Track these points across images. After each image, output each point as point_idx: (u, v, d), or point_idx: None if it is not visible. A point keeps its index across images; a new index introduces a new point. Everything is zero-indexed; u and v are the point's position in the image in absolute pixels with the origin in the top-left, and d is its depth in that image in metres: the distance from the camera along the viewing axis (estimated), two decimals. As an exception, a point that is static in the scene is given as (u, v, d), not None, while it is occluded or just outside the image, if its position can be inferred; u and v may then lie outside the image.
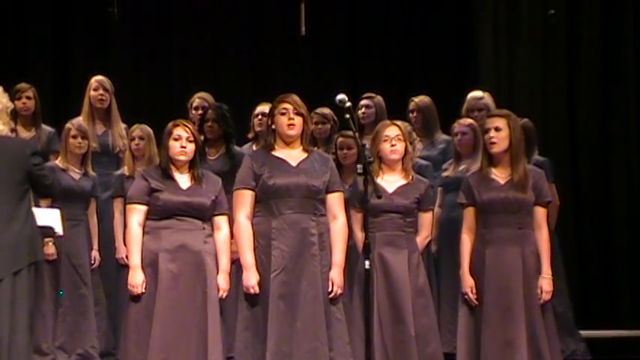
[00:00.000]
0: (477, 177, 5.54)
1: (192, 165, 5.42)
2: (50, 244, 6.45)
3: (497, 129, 5.45)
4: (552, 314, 5.50)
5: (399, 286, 5.52)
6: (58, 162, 6.73)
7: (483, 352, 5.34)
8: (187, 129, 5.39)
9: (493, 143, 5.46)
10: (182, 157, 5.34)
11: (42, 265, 5.88)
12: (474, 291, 5.42)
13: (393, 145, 5.65)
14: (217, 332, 5.24)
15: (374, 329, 5.33)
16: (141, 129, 6.80)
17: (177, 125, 5.41)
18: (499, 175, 5.49)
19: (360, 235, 5.60)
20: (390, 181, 5.67)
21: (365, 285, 5.20)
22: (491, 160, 5.52)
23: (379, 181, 5.54)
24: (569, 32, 8.32)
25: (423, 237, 5.76)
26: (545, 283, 5.41)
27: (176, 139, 5.37)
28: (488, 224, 5.45)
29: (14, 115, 6.20)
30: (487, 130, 5.49)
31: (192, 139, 5.38)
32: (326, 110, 6.78)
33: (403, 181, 5.69)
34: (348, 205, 5.59)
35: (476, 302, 5.41)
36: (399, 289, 5.51)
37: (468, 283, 5.44)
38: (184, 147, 5.35)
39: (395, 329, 5.48)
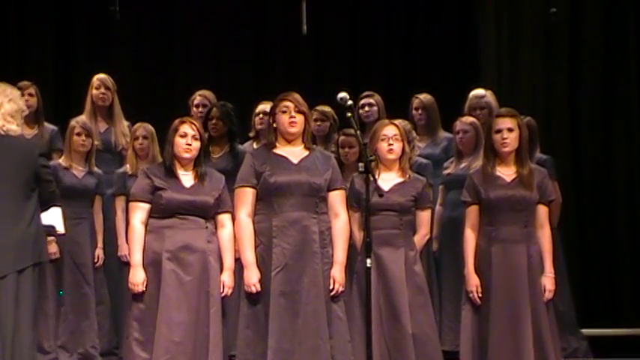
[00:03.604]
0: (481, 175, 5.55)
1: (197, 163, 5.41)
2: (53, 243, 6.44)
3: (510, 129, 5.49)
4: (554, 312, 5.52)
5: (396, 284, 5.52)
6: (61, 160, 6.75)
7: (491, 351, 5.35)
8: (194, 127, 5.38)
9: (507, 144, 5.48)
10: (186, 155, 5.34)
11: (46, 266, 5.88)
12: (479, 290, 5.44)
13: (390, 145, 5.66)
14: (219, 332, 5.25)
15: (373, 327, 5.29)
16: (144, 128, 6.81)
17: (184, 122, 5.40)
18: (504, 173, 5.52)
19: (358, 235, 5.62)
20: (387, 180, 5.67)
21: (366, 283, 5.19)
22: (496, 159, 5.54)
23: (377, 180, 5.51)
24: (571, 30, 8.33)
25: (421, 235, 5.76)
26: (549, 282, 5.44)
27: (182, 137, 5.36)
28: (495, 222, 5.46)
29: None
30: (499, 131, 5.50)
31: (197, 137, 5.38)
32: (326, 108, 6.83)
33: (400, 179, 5.70)
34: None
35: (479, 301, 5.43)
36: (396, 287, 5.52)
37: (474, 281, 5.45)
38: (189, 144, 5.34)
39: (392, 328, 5.50)
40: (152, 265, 5.25)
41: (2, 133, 4.81)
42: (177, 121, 5.43)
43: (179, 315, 5.20)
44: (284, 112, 5.35)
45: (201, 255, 5.26)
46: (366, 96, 7.06)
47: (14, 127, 4.86)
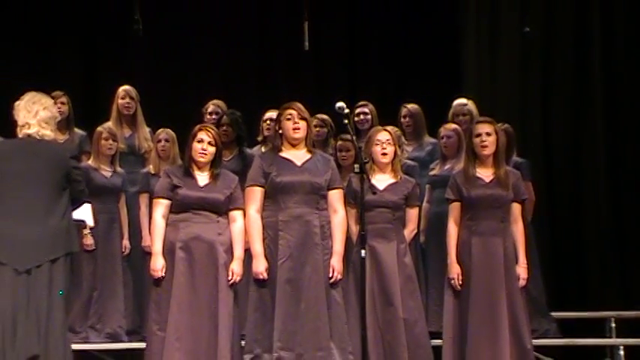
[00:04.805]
0: (463, 175, 5.83)
1: (213, 165, 5.63)
2: (89, 236, 6.74)
3: (488, 134, 5.76)
4: (525, 298, 5.82)
5: (389, 273, 5.78)
6: (90, 162, 6.99)
7: (471, 331, 5.62)
8: (210, 133, 5.61)
9: (485, 146, 5.75)
10: (201, 159, 5.61)
11: (79, 256, 6.17)
12: (460, 278, 5.72)
13: (383, 149, 5.92)
14: (227, 315, 5.45)
15: (367, 311, 5.52)
16: (166, 132, 7.07)
17: (202, 129, 5.63)
18: (483, 174, 5.81)
19: (354, 229, 5.88)
20: (381, 180, 5.92)
21: (361, 272, 5.44)
22: (476, 161, 5.83)
23: (371, 179, 5.76)
24: (544, 47, 8.44)
25: (409, 230, 6.02)
26: (522, 271, 5.77)
27: (199, 142, 5.59)
28: (475, 217, 5.75)
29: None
30: (478, 135, 5.76)
31: (213, 142, 5.60)
32: (325, 116, 7.03)
33: (392, 180, 5.95)
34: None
35: (460, 288, 5.72)
36: (389, 276, 5.78)
37: (455, 270, 5.74)
38: (205, 149, 5.58)
39: (385, 311, 5.76)
40: (168, 253, 5.50)
41: (37, 137, 4.99)
42: (196, 128, 5.65)
43: (188, 298, 5.42)
44: (288, 119, 5.61)
45: (209, 245, 5.48)
46: (362, 105, 7.30)
47: (48, 133, 5.03)
